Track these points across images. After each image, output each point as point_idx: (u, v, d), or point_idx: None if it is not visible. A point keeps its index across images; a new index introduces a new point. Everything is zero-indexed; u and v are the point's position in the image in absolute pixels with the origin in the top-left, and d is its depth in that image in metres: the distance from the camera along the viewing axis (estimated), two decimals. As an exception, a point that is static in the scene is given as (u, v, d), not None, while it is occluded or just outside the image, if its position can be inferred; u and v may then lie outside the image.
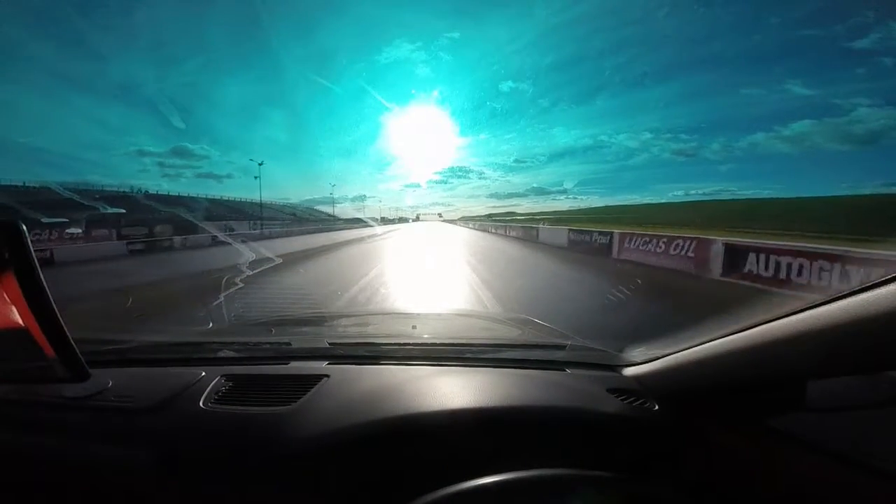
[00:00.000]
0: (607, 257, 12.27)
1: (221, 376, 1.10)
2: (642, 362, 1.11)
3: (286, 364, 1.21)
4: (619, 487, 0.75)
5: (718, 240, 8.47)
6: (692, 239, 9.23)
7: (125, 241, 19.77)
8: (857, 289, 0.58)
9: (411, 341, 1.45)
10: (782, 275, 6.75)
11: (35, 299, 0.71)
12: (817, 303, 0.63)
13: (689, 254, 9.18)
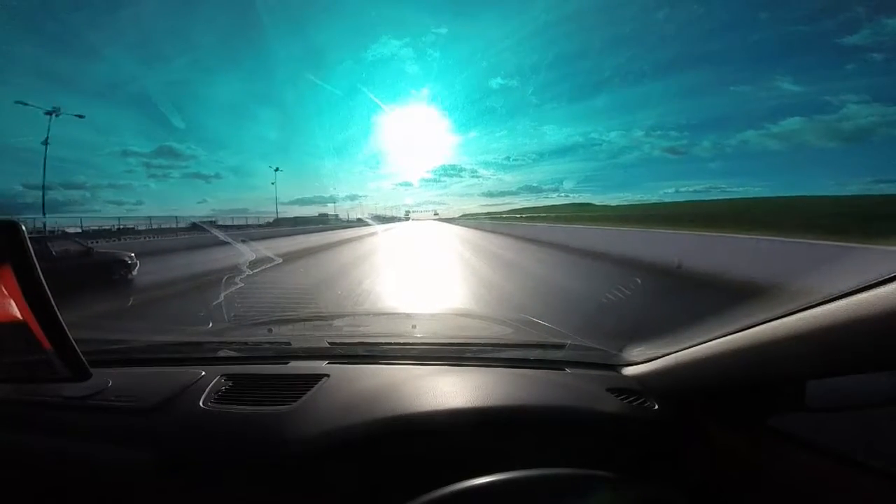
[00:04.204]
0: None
1: (221, 376, 1.10)
2: (642, 362, 1.11)
3: (286, 364, 1.21)
4: (618, 487, 0.75)
5: None
6: None
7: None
8: (856, 288, 0.58)
9: (411, 341, 1.45)
10: None
11: (35, 299, 0.71)
12: (817, 302, 0.63)
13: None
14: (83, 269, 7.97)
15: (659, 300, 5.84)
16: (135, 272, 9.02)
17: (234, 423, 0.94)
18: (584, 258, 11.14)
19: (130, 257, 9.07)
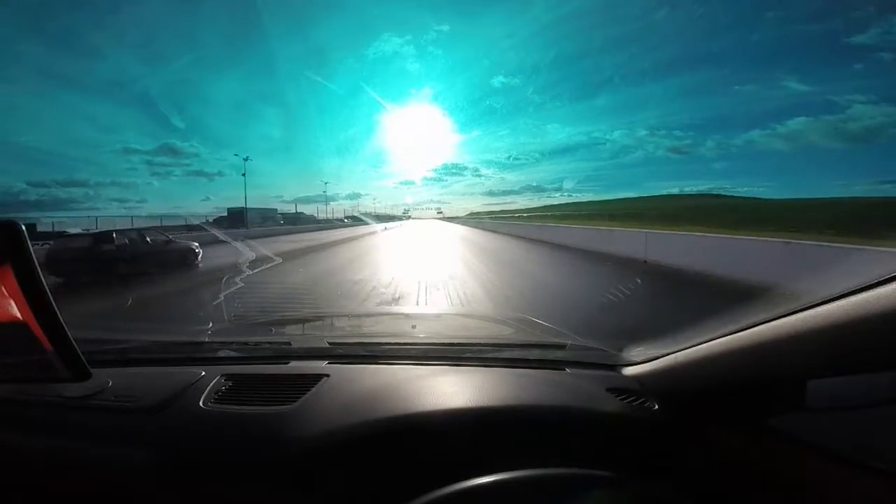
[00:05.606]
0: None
1: (221, 376, 1.10)
2: (642, 362, 1.11)
3: (286, 364, 1.21)
4: (618, 487, 0.75)
5: None
6: None
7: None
8: (856, 288, 0.58)
9: (411, 341, 1.46)
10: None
11: (35, 299, 0.71)
12: (817, 302, 0.63)
13: None
14: (169, 254, 10.44)
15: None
16: (200, 258, 11.13)
17: (234, 423, 0.94)
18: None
19: (197, 246, 11.27)
